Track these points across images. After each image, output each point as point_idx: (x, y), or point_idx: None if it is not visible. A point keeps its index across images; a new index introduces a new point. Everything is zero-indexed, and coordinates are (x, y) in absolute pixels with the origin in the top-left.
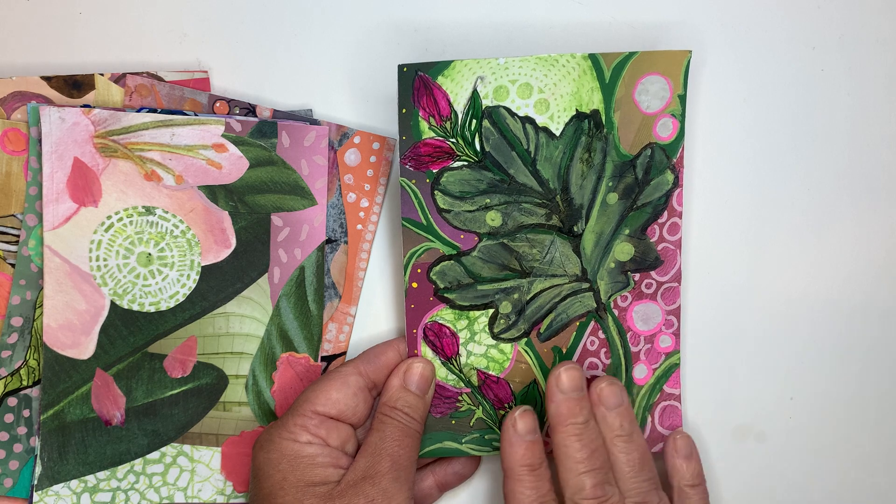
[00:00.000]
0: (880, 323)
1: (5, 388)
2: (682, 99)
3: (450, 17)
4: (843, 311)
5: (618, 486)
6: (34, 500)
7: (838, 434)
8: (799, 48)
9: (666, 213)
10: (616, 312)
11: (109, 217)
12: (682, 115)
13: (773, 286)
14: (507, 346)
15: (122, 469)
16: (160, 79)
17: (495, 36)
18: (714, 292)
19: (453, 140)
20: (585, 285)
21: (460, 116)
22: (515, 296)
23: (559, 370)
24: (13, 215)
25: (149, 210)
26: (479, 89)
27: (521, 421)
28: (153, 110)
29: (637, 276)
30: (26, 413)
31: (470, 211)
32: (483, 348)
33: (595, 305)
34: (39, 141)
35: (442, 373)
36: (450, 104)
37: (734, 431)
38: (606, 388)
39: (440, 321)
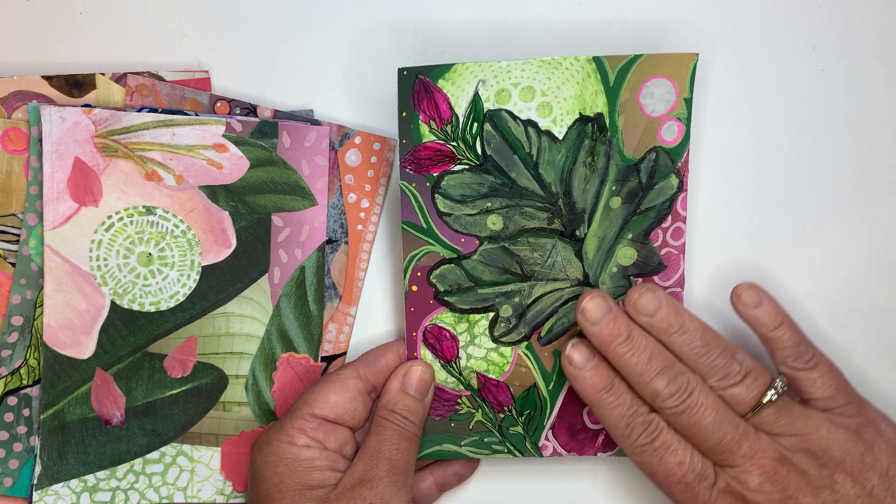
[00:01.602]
0: (880, 323)
1: (5, 387)
2: (688, 102)
3: (450, 18)
4: (844, 311)
5: (694, 371)
6: (34, 500)
7: None
8: (799, 48)
9: (670, 218)
10: None
11: (110, 217)
12: (688, 118)
13: (774, 288)
14: (507, 350)
15: (121, 469)
16: (161, 78)
17: (495, 36)
18: (716, 295)
19: (454, 143)
20: (587, 289)
21: (461, 120)
22: (516, 299)
23: (582, 304)
24: (14, 214)
25: (149, 210)
26: (480, 92)
27: (574, 355)
28: (154, 110)
29: (639, 281)
30: (26, 412)
31: (471, 214)
32: (483, 351)
33: None
34: (40, 140)
35: (441, 375)
36: (451, 107)
37: None
38: (640, 299)
39: (440, 324)
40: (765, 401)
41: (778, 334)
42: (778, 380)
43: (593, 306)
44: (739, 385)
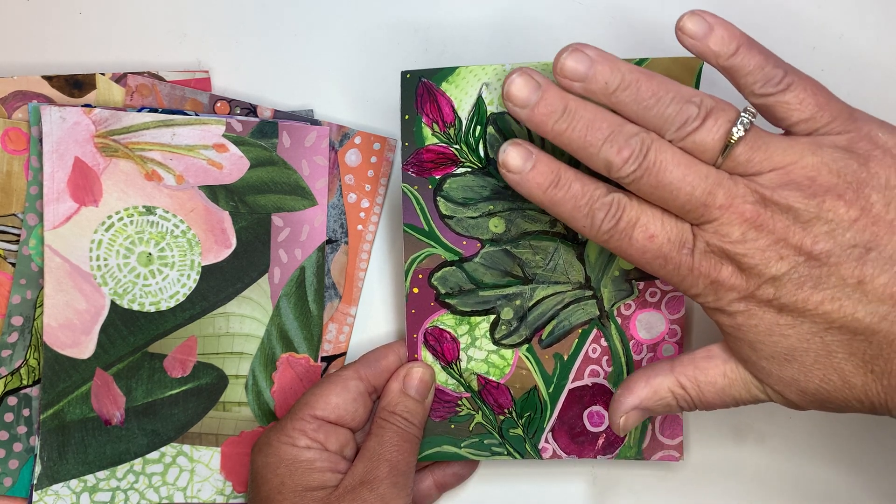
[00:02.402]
0: None
1: (5, 387)
2: None
3: (449, 18)
4: None
5: (648, 128)
6: (34, 500)
7: (838, 434)
8: (799, 48)
9: None
10: (619, 321)
11: (110, 217)
12: None
13: None
14: (508, 352)
15: (121, 469)
16: (161, 78)
17: (495, 36)
18: None
19: (457, 146)
20: (589, 293)
21: (464, 123)
22: (517, 302)
23: (505, 89)
24: (14, 214)
25: (149, 210)
26: (483, 95)
27: (509, 160)
28: (154, 110)
29: (641, 285)
30: (26, 412)
31: (473, 217)
32: (484, 354)
33: (598, 313)
34: (40, 140)
35: (442, 377)
36: (454, 110)
37: (734, 433)
38: (566, 63)
39: (441, 326)
40: (733, 140)
41: (736, 61)
42: (743, 113)
43: (518, 87)
44: (700, 130)
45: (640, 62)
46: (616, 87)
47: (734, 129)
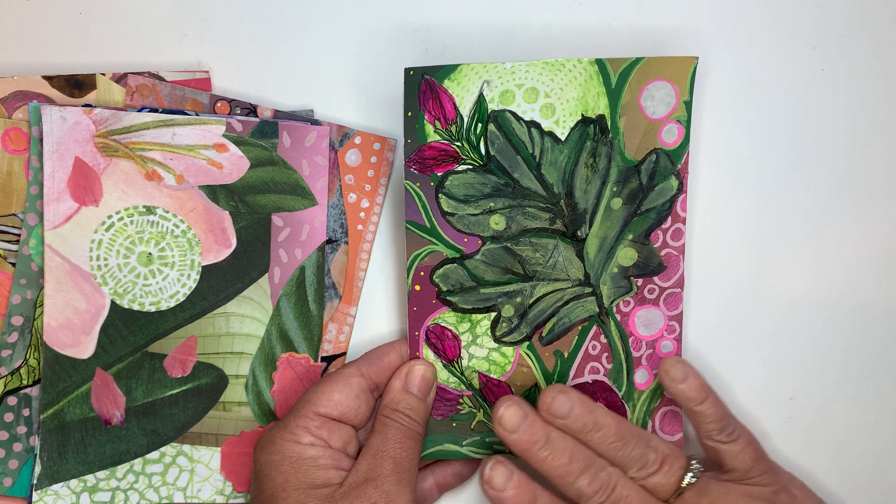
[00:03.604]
0: (880, 323)
1: (5, 387)
2: (688, 105)
3: (450, 18)
4: (844, 312)
5: (613, 464)
6: (34, 500)
7: (838, 434)
8: (799, 48)
9: (670, 219)
10: (618, 317)
11: (110, 216)
12: (688, 121)
13: (773, 288)
14: (508, 350)
15: (121, 469)
16: (161, 79)
17: (495, 36)
18: (715, 295)
19: (458, 143)
20: (588, 290)
21: (466, 120)
22: (518, 299)
23: (498, 413)
24: (14, 214)
25: (149, 210)
26: (485, 93)
27: (494, 477)
28: (154, 110)
29: (640, 282)
30: (26, 412)
31: (474, 214)
32: (485, 351)
33: (597, 310)
34: (41, 140)
35: (443, 375)
36: (455, 108)
37: None
38: (553, 403)
39: (442, 324)
40: (684, 484)
41: (703, 408)
42: (694, 462)
43: (509, 415)
44: (658, 473)
45: (636, 61)
46: (591, 428)
47: (687, 476)
